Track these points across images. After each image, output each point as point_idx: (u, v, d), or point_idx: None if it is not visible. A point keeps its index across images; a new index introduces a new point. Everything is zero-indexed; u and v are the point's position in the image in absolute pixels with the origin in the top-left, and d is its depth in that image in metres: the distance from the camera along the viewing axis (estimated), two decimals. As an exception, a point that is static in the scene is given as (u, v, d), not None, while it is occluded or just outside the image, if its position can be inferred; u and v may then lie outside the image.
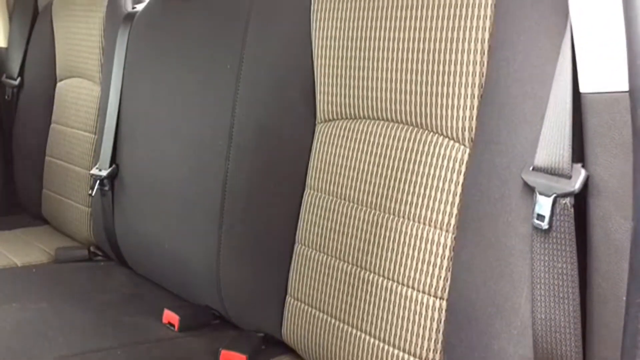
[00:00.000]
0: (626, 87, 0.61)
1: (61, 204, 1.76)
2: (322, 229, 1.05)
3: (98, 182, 1.52)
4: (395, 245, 0.93)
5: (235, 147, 1.20)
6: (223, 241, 1.21)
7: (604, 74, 0.64)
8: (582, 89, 0.67)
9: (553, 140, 0.69)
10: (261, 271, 1.16)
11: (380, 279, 0.94)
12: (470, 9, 0.83)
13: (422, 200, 0.90)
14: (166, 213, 1.38)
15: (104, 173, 1.52)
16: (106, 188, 1.52)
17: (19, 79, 1.94)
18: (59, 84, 1.81)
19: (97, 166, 1.54)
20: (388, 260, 0.93)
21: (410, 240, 0.91)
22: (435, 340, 0.87)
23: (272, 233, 1.15)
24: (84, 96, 1.70)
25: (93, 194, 1.54)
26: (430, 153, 0.90)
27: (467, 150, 0.85)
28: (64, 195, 1.75)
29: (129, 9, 1.59)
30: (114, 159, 1.52)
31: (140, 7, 1.57)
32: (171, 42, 1.40)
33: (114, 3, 1.60)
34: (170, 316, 1.25)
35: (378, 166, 0.97)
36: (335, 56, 1.03)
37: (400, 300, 0.91)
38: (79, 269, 1.57)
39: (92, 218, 1.63)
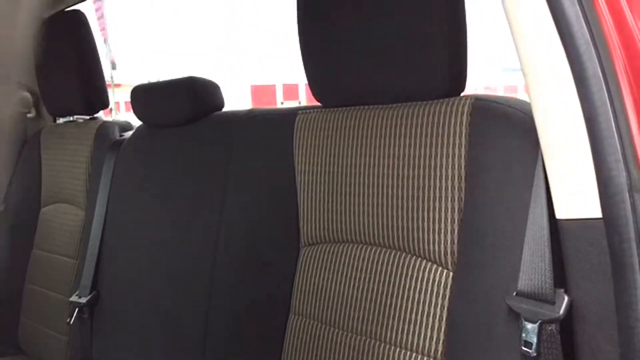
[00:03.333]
0: (600, 214, 0.63)
1: (38, 332, 1.71)
2: (307, 355, 1.02)
3: (77, 309, 1.49)
4: (383, 373, 0.90)
5: (218, 274, 1.19)
6: (206, 370, 1.17)
7: (577, 201, 0.66)
8: (558, 215, 0.69)
9: (534, 266, 0.70)
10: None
11: (369, 409, 0.91)
12: (445, 138, 0.87)
13: (409, 326, 0.88)
14: (147, 342, 1.33)
15: (83, 300, 1.48)
16: (85, 316, 1.49)
17: (3, 205, 1.94)
18: (42, 210, 1.81)
19: (77, 293, 1.51)
20: (376, 389, 0.90)
21: (397, 367, 0.88)
22: None
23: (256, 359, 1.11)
24: (68, 221, 1.69)
25: (72, 322, 1.50)
26: (415, 277, 0.89)
27: (451, 274, 0.85)
28: (41, 323, 1.70)
29: (117, 136, 1.63)
30: (94, 286, 1.50)
31: (127, 134, 1.62)
32: (156, 170, 1.43)
33: (102, 131, 1.64)
34: None
35: (362, 290, 0.96)
36: (318, 182, 1.05)
37: None
38: (53, 403, 1.50)
39: (70, 347, 1.57)
